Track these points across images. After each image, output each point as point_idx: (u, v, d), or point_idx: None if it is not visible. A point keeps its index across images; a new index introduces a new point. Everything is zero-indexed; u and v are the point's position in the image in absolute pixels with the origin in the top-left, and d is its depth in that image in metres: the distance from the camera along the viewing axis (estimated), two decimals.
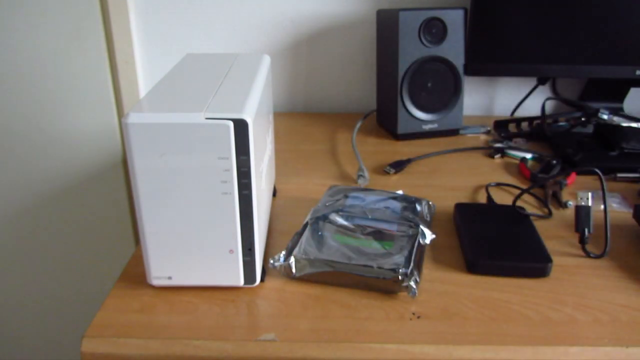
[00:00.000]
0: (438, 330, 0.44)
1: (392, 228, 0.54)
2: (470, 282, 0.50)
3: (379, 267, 0.47)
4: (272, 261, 0.49)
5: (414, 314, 0.45)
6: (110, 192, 1.08)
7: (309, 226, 0.54)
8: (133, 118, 0.40)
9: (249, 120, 0.41)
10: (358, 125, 0.90)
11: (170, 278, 0.47)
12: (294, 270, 0.49)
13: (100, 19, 0.95)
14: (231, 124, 0.40)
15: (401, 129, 0.85)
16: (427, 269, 0.52)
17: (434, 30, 0.82)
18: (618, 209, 0.64)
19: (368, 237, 0.52)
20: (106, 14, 0.95)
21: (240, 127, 0.41)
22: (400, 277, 0.46)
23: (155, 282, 0.47)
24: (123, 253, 1.12)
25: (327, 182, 0.70)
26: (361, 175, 0.71)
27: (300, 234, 0.53)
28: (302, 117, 1.00)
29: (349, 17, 0.98)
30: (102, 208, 1.09)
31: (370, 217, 0.55)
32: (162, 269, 0.46)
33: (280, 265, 0.49)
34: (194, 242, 0.45)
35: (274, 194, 0.66)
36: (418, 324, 0.44)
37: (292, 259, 0.49)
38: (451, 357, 0.42)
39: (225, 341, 0.42)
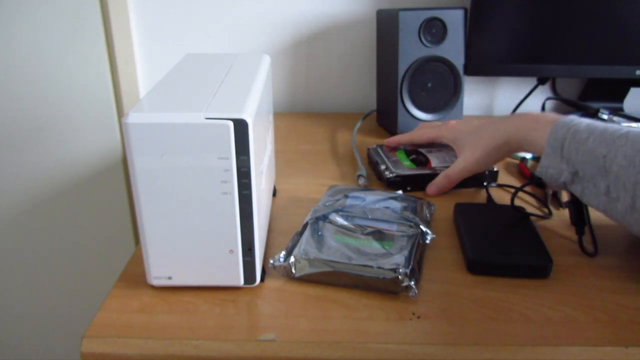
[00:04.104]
0: (438, 330, 0.44)
1: (392, 228, 0.54)
2: (470, 282, 0.50)
3: (379, 267, 0.47)
4: (272, 261, 0.49)
5: (414, 314, 0.45)
6: (110, 192, 1.08)
7: (309, 226, 0.54)
8: (133, 118, 0.40)
9: (249, 120, 0.41)
10: (358, 125, 0.90)
11: (170, 278, 0.47)
12: (293, 271, 0.49)
13: (100, 19, 0.95)
14: (231, 124, 0.40)
15: (401, 129, 0.85)
16: (427, 269, 0.52)
17: (434, 30, 0.82)
18: None
19: (368, 237, 0.52)
20: (106, 14, 0.95)
21: (240, 127, 0.41)
22: (400, 277, 0.46)
23: (155, 282, 0.47)
24: (123, 253, 1.12)
25: (327, 182, 0.70)
26: (361, 175, 0.71)
27: (300, 234, 0.53)
28: (302, 117, 1.00)
29: (349, 17, 0.98)
30: (102, 208, 1.09)
31: (370, 217, 0.55)
32: (162, 269, 0.46)
33: (280, 266, 0.49)
34: (194, 242, 0.45)
35: (274, 194, 0.66)
36: (418, 324, 0.44)
37: (292, 259, 0.49)
38: (451, 357, 0.42)
39: (225, 341, 0.42)
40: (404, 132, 0.86)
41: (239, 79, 0.51)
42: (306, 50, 1.01)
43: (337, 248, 0.50)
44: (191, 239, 0.44)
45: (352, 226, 0.54)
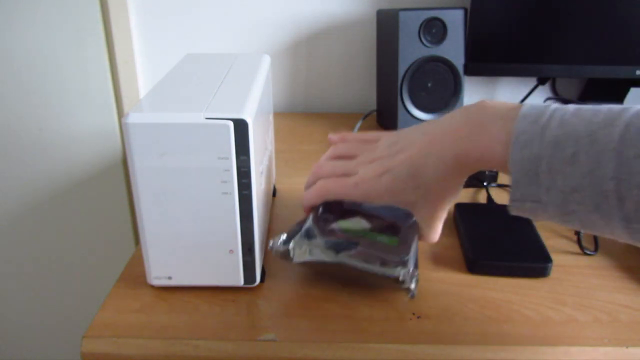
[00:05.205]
0: (438, 330, 0.44)
1: (397, 219, 0.52)
2: (470, 282, 0.50)
3: (382, 265, 0.46)
4: (271, 242, 0.47)
5: (414, 314, 0.45)
6: (110, 192, 1.08)
7: (312, 212, 0.52)
8: (133, 118, 0.40)
9: (249, 120, 0.41)
10: (358, 125, 0.90)
11: (170, 278, 0.47)
12: (292, 255, 0.46)
13: (100, 19, 0.95)
14: (231, 124, 0.40)
15: (401, 128, 0.85)
16: (427, 269, 0.52)
17: (434, 30, 0.82)
18: None
19: (373, 228, 0.50)
20: (106, 14, 0.95)
21: (240, 127, 0.41)
22: (401, 278, 0.45)
23: (155, 282, 0.47)
24: (123, 253, 1.12)
25: None
26: None
27: (303, 221, 0.51)
28: (302, 117, 1.00)
29: (349, 17, 0.98)
30: (102, 208, 1.09)
31: (374, 206, 0.53)
32: (162, 269, 0.46)
33: (279, 249, 0.46)
34: (194, 242, 0.45)
35: (274, 194, 0.66)
36: (418, 324, 0.44)
37: (291, 244, 0.46)
38: (451, 357, 0.42)
39: (225, 341, 0.42)
40: None
41: (239, 79, 0.51)
42: (306, 50, 1.01)
43: (340, 235, 0.48)
44: (191, 239, 0.44)
45: (358, 210, 0.51)
